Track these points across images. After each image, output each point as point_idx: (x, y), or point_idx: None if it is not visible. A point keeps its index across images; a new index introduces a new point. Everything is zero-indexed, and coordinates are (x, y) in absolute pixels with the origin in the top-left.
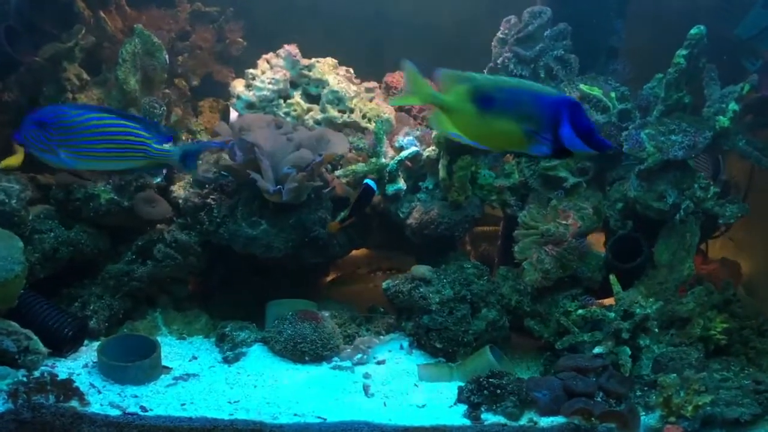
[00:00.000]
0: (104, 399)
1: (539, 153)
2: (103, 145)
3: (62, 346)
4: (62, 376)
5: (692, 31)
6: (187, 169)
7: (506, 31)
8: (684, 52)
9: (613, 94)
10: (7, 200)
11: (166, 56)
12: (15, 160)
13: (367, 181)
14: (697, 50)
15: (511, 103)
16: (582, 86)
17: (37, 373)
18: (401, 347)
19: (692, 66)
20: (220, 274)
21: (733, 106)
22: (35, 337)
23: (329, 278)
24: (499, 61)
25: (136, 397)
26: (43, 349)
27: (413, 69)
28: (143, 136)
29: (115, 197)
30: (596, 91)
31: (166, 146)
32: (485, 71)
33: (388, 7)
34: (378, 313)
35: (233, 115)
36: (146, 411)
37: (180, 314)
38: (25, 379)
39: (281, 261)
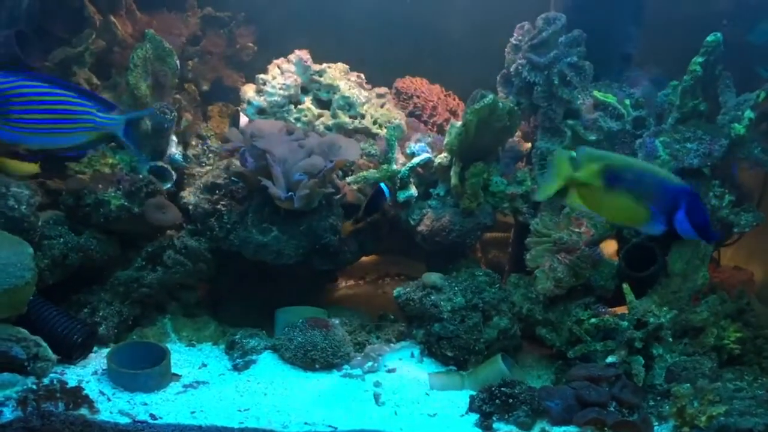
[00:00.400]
0: (114, 407)
1: (651, 231)
2: (45, 116)
3: (72, 353)
4: (72, 383)
5: (708, 39)
6: (129, 140)
7: (520, 38)
8: (700, 59)
9: (627, 101)
10: (16, 206)
11: (177, 61)
12: (32, 167)
13: (380, 184)
14: (713, 57)
15: (637, 183)
16: (596, 93)
17: (46, 381)
18: (412, 355)
19: (708, 73)
20: (229, 280)
21: (748, 113)
22: (45, 344)
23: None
24: (512, 68)
25: (145, 404)
26: (53, 356)
27: (564, 155)
28: (87, 105)
29: (126, 203)
30: (610, 99)
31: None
32: (498, 78)
33: (399, 12)
34: (388, 321)
35: (243, 120)
36: (156, 419)
37: (189, 321)
38: (34, 386)
39: (291, 267)
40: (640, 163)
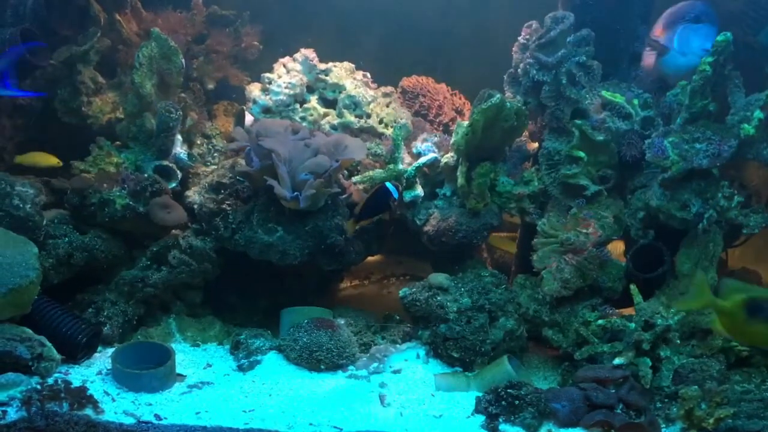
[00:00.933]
0: (118, 407)
1: None
2: None
3: (76, 353)
4: (76, 383)
5: (719, 38)
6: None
7: (527, 37)
8: (710, 59)
9: (636, 101)
10: (21, 205)
11: (183, 60)
12: (55, 160)
13: (386, 183)
14: (723, 58)
15: None
16: (604, 93)
17: (50, 380)
18: (418, 356)
19: (718, 73)
20: (233, 280)
21: (758, 114)
22: (49, 344)
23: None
24: (520, 67)
25: (150, 405)
26: (57, 356)
27: (704, 278)
28: None
29: (131, 202)
30: (619, 98)
31: None
32: (505, 77)
33: (405, 12)
34: (393, 321)
35: (248, 119)
36: (161, 419)
37: (194, 321)
38: (38, 386)
39: (296, 267)
40: None
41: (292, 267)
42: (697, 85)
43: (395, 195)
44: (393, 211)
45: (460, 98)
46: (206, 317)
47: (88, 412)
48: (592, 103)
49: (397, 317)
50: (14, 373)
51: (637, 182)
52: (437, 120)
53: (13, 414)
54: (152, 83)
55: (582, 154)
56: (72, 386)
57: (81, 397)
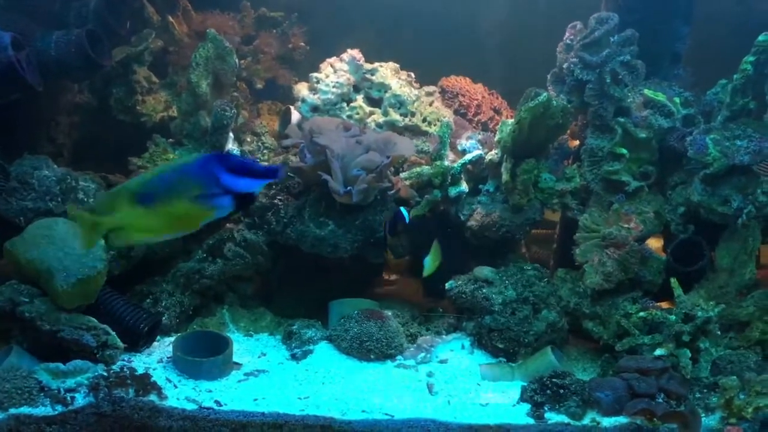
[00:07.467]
0: (180, 393)
1: (221, 213)
2: None
3: (138, 342)
4: (140, 370)
5: (760, 38)
6: None
7: (572, 37)
8: (751, 58)
9: (677, 100)
10: (85, 199)
11: (236, 60)
12: None
13: (401, 208)
14: (764, 57)
15: (169, 187)
16: (646, 91)
17: (115, 368)
18: (463, 347)
19: (758, 72)
20: (282, 273)
21: None
22: (113, 333)
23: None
24: (564, 67)
25: (210, 391)
26: (121, 344)
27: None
28: None
29: None
30: (660, 97)
31: None
32: (549, 76)
33: (446, 14)
34: (437, 314)
35: (295, 117)
36: (221, 405)
37: (246, 312)
38: (105, 373)
39: (341, 260)
40: (157, 168)
41: (338, 260)
42: (739, 84)
43: (406, 221)
44: (398, 235)
45: (497, 98)
46: (258, 308)
47: (153, 398)
48: (634, 102)
49: (440, 310)
50: (81, 361)
51: (677, 178)
52: (476, 119)
53: (80, 399)
54: (207, 82)
55: (624, 150)
56: (136, 373)
57: (145, 383)
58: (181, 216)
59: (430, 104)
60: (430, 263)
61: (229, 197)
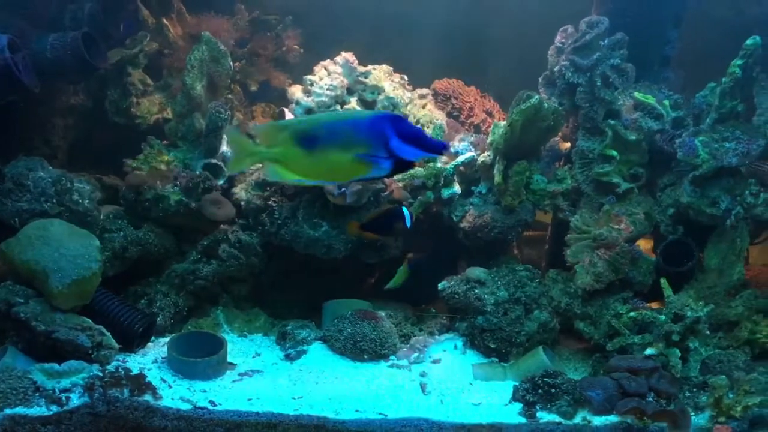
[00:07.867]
0: (175, 393)
1: (379, 173)
2: None
3: (132, 342)
4: (134, 370)
5: (748, 42)
6: None
7: (563, 41)
8: (740, 62)
9: (666, 102)
10: (80, 200)
11: (231, 63)
12: None
13: (403, 208)
14: (751, 60)
15: (334, 136)
16: (636, 94)
17: (110, 368)
18: (455, 347)
19: (746, 75)
20: (273, 274)
21: None
22: (108, 333)
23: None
24: (555, 70)
25: (204, 391)
26: (116, 345)
27: (236, 133)
28: None
29: (184, 198)
30: (650, 99)
31: None
32: (540, 79)
33: (438, 17)
34: (429, 314)
35: (289, 118)
36: (215, 405)
37: (240, 312)
38: (100, 373)
39: (334, 261)
40: (326, 115)
41: (332, 261)
42: (727, 87)
43: (408, 222)
44: (396, 236)
45: (489, 101)
46: (252, 309)
47: (147, 398)
48: (624, 104)
49: (433, 310)
50: (76, 361)
51: (667, 180)
52: (468, 121)
53: (75, 400)
54: (202, 85)
55: (615, 152)
56: (131, 373)
57: (140, 383)
58: (337, 167)
59: (423, 107)
60: (394, 281)
61: (390, 161)
